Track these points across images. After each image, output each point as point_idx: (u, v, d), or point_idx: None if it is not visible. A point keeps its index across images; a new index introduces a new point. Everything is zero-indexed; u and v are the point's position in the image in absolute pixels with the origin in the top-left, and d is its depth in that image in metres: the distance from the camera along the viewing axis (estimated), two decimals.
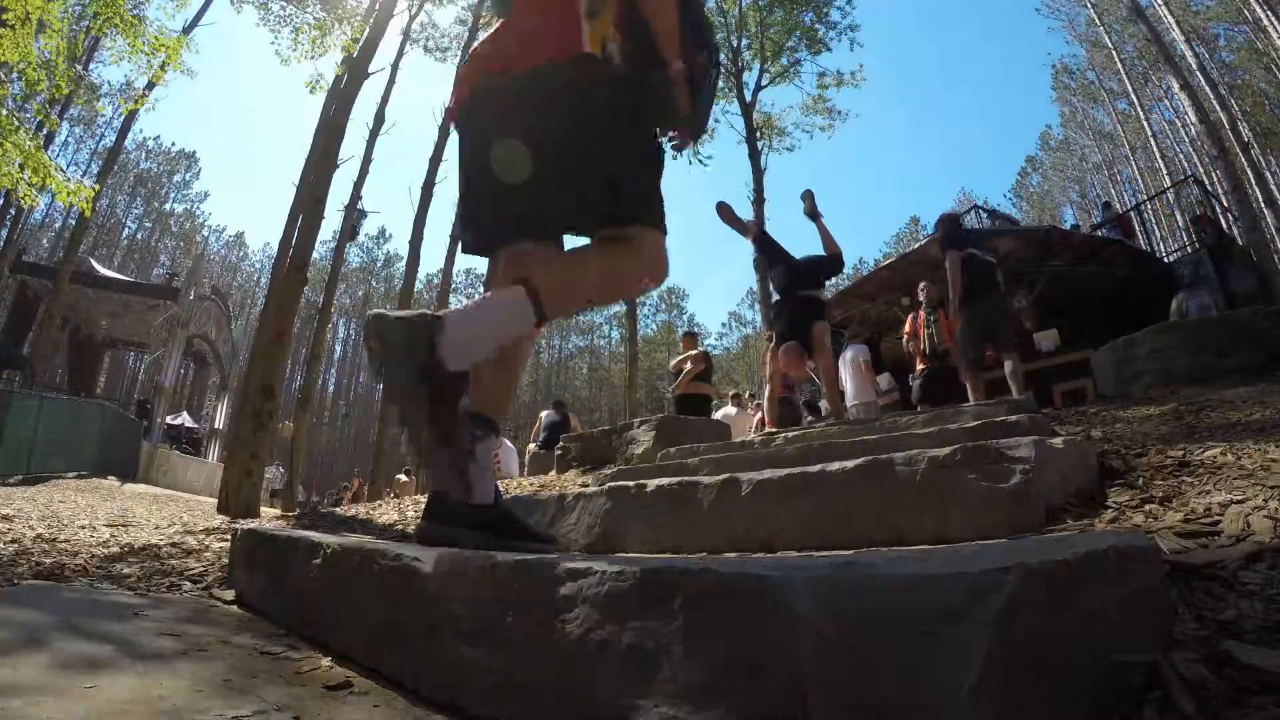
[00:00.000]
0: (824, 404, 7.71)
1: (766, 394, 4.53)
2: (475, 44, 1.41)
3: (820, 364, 4.05)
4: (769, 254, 4.50)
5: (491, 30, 1.38)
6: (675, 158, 1.41)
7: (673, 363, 6.67)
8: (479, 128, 1.30)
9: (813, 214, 4.35)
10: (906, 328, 5.98)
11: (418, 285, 20.35)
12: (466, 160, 1.33)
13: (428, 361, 1.04)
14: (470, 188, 1.32)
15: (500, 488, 1.29)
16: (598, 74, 1.21)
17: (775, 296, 4.50)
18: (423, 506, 1.32)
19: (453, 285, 15.38)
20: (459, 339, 1.07)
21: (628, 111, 1.22)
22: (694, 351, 6.42)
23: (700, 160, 15.16)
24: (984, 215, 11.97)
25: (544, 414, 7.79)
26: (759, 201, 16.03)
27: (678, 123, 1.33)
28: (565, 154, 1.19)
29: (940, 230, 5.14)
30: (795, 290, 4.22)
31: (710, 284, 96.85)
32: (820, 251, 4.53)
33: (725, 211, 4.34)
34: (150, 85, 12.08)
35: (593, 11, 1.22)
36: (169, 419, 17.10)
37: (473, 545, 1.11)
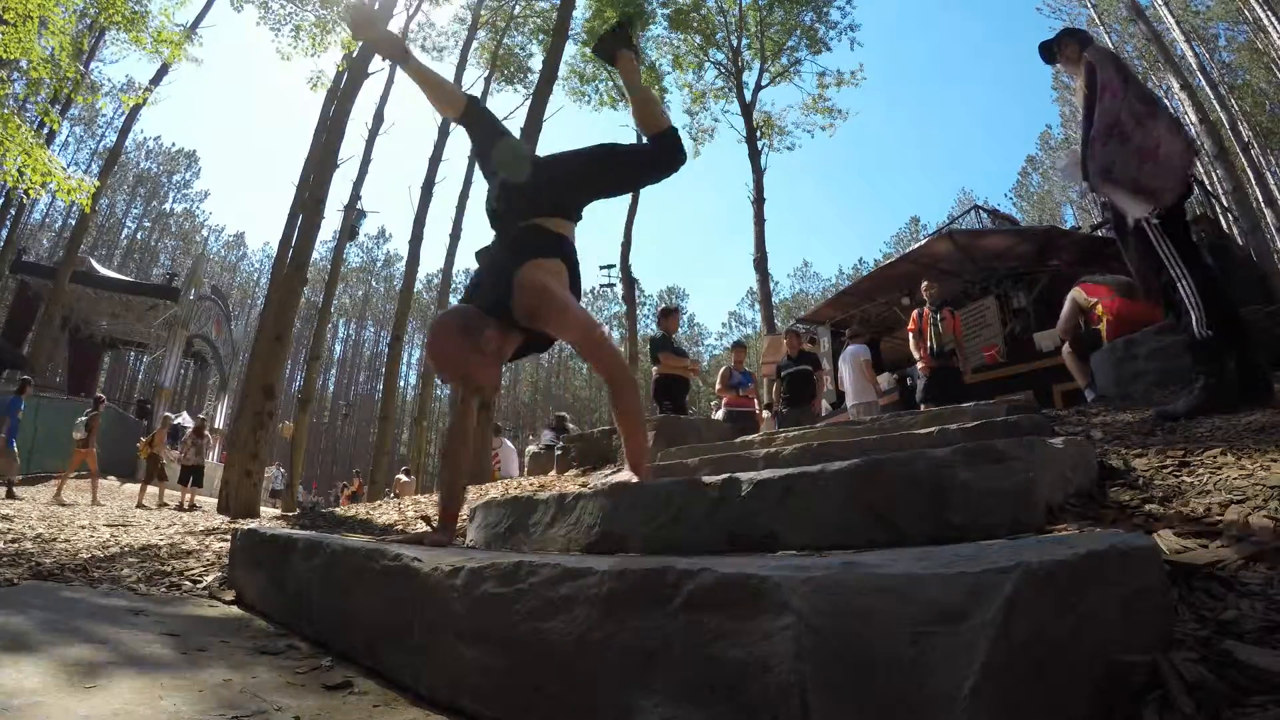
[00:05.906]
0: (824, 404, 7.68)
1: (459, 408, 1.73)
2: None
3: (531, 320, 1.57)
4: (483, 144, 1.87)
5: None
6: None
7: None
8: None
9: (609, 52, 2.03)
10: (910, 324, 5.94)
11: (417, 285, 20.33)
12: None
13: None
14: None
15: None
16: None
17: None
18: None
19: (452, 285, 15.36)
20: None
21: None
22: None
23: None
24: (984, 215, 11.97)
25: (545, 433, 8.00)
26: (759, 201, 15.97)
27: None
28: None
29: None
30: (513, 219, 1.72)
31: (710, 284, 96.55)
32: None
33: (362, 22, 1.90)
34: (157, 78, 12.12)
35: None
36: (172, 419, 17.08)
37: None
